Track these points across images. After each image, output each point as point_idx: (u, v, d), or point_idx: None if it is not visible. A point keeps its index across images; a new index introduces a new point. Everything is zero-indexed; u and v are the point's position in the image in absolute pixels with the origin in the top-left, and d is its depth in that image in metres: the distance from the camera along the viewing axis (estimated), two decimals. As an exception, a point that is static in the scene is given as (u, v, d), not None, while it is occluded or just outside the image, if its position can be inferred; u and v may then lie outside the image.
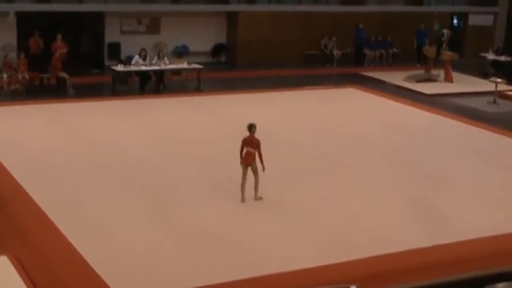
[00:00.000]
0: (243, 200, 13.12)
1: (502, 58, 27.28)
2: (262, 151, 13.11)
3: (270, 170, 13.35)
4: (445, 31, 27.30)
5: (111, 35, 25.67)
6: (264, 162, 13.10)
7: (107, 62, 25.22)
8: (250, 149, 13.08)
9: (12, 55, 22.49)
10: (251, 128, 13.13)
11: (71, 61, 23.15)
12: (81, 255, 10.79)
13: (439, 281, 10.73)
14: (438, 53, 26.47)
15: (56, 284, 10.13)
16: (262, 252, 11.22)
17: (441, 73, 25.90)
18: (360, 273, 10.69)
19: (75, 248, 11.01)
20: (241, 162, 13.18)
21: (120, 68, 22.09)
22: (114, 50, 25.52)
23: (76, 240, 11.21)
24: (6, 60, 21.39)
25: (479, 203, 13.75)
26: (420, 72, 26.59)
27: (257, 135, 13.15)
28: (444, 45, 26.53)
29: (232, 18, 27.44)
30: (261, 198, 13.20)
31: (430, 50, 26.96)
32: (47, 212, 12.30)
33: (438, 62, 26.47)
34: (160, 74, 22.62)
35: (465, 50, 30.78)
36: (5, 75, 20.87)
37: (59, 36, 22.93)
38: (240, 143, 13.23)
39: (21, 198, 13.01)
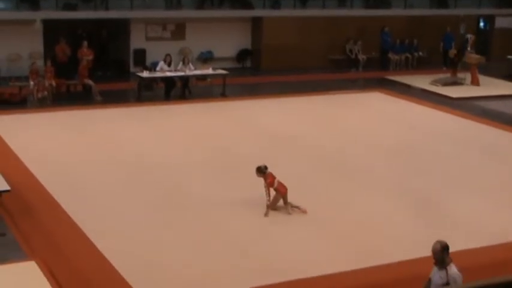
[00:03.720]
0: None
1: (530, 60, 27.07)
2: (288, 155, 12.96)
3: (294, 174, 13.34)
4: (468, 36, 27.09)
5: (136, 41, 25.82)
6: (287, 165, 12.92)
7: (132, 69, 25.37)
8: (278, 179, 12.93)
9: (39, 63, 22.67)
10: (259, 170, 12.94)
11: (97, 68, 23.40)
12: (108, 261, 10.85)
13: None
14: (460, 57, 26.16)
15: (83, 290, 10.22)
16: (283, 258, 11.23)
17: (467, 76, 25.71)
18: (380, 278, 10.67)
19: (102, 254, 11.08)
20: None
21: (145, 74, 22.19)
22: (140, 56, 25.66)
23: (103, 247, 11.29)
24: (33, 68, 21.54)
25: (505, 208, 13.63)
26: (446, 75, 26.42)
27: (282, 139, 13.11)
28: (469, 49, 26.33)
29: (256, 23, 27.47)
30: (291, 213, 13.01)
31: (454, 53, 26.78)
32: (74, 218, 12.39)
33: (463, 66, 26.17)
34: (185, 79, 22.68)
35: (492, 53, 30.55)
36: (32, 83, 21.06)
37: (85, 43, 23.09)
38: (265, 148, 13.21)
39: (49, 204, 13.11)
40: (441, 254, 8.16)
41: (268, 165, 13.00)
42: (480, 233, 12.39)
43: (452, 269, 8.14)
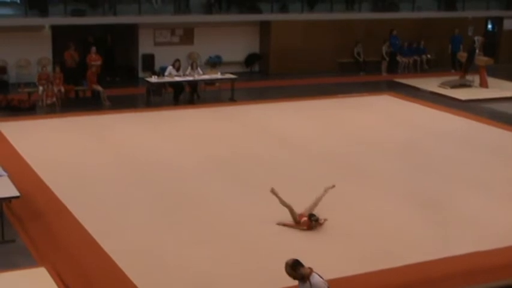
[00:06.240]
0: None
1: (538, 62, 26.97)
2: (298, 158, 12.81)
3: (304, 177, 13.31)
4: (476, 38, 27.04)
5: (144, 46, 25.87)
6: (296, 168, 12.86)
7: (141, 74, 25.42)
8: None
9: (48, 68, 22.74)
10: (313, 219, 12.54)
11: (105, 73, 23.44)
12: (119, 266, 10.87)
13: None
14: (471, 59, 26.10)
15: (93, 295, 10.25)
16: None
17: (476, 78, 25.64)
18: (390, 282, 10.65)
19: (113, 259, 11.10)
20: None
21: (154, 79, 22.22)
22: (148, 62, 25.70)
23: (113, 252, 11.31)
24: (42, 74, 21.64)
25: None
26: (455, 78, 26.36)
27: (292, 143, 13.08)
28: (477, 51, 26.27)
29: (265, 27, 27.47)
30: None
31: (464, 56, 26.73)
32: (83, 224, 12.43)
33: (472, 68, 26.09)
34: (194, 84, 22.71)
35: (500, 55, 30.47)
36: (40, 89, 21.13)
37: (93, 48, 23.15)
38: (274, 152, 13.08)
39: (58, 210, 13.15)
40: (296, 273, 7.94)
41: (277, 169, 12.92)
42: (490, 234, 12.37)
43: (315, 278, 7.95)
